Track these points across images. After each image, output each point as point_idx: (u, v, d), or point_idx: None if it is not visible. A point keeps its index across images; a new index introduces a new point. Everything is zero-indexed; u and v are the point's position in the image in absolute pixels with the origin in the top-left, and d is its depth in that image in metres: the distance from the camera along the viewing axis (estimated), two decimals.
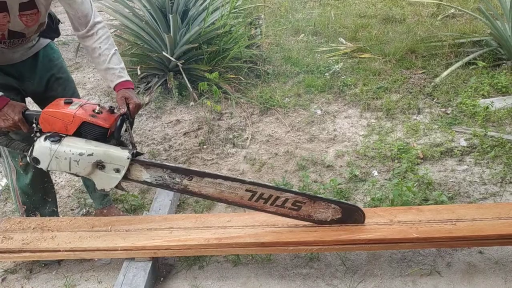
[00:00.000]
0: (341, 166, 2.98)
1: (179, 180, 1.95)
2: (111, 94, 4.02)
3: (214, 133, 3.39)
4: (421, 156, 2.93)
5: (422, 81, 3.85)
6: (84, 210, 2.74)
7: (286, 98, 3.80)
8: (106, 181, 1.95)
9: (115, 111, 1.93)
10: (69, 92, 2.27)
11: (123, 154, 1.89)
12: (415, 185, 2.63)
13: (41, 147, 1.87)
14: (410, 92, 3.70)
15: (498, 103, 3.42)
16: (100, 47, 2.02)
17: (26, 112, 1.91)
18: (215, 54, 3.90)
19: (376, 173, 2.86)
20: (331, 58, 4.41)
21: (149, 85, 3.95)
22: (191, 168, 2.02)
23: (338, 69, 4.09)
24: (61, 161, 1.88)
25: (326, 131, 3.37)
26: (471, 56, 4.02)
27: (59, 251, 2.10)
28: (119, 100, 1.98)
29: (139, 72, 3.74)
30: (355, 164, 2.96)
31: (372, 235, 1.98)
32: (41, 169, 1.93)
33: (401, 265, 2.18)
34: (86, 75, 4.63)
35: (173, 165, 1.96)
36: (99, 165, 1.90)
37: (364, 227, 2.03)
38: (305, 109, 3.65)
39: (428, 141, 3.10)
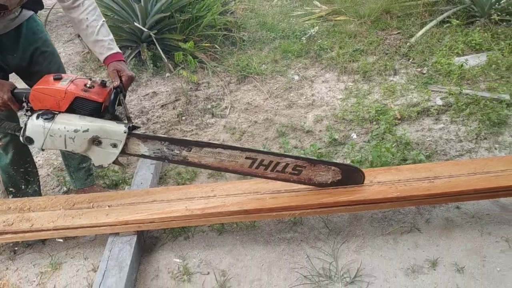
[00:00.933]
0: (320, 130, 3.00)
1: (178, 152, 1.93)
2: (84, 68, 3.92)
3: (192, 104, 3.36)
4: (399, 117, 2.97)
5: (398, 42, 3.86)
6: (64, 188, 2.72)
7: (263, 65, 3.77)
8: (103, 156, 1.92)
9: (107, 84, 1.89)
10: (55, 66, 2.21)
11: (119, 128, 1.86)
12: (393, 145, 2.67)
13: (34, 125, 1.83)
14: (386, 54, 3.71)
15: (472, 60, 3.45)
16: (87, 18, 1.95)
17: (15, 91, 1.85)
18: (188, 23, 3.82)
19: (355, 136, 2.89)
20: (307, 22, 4.37)
21: None
22: (189, 139, 1.99)
23: (313, 33, 4.05)
24: (56, 139, 1.84)
25: (304, 97, 3.37)
26: (445, 14, 4.03)
27: (42, 230, 2.09)
28: (111, 73, 1.93)
29: None
30: (334, 128, 2.98)
31: (353, 197, 2.02)
32: (22, 148, 1.88)
33: (382, 224, 2.24)
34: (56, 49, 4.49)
35: (172, 137, 1.93)
36: (96, 141, 1.87)
37: (345, 189, 2.07)
38: (282, 75, 3.63)
39: (405, 102, 3.13)
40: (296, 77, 3.58)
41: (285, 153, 2.02)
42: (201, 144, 1.92)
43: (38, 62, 2.15)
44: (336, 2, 4.71)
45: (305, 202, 2.03)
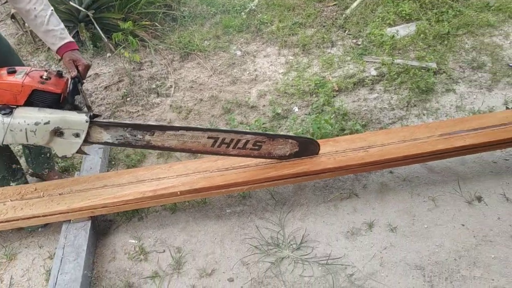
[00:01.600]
0: (264, 105, 3.11)
1: (141, 137, 1.97)
2: (20, 52, 3.77)
3: (136, 84, 3.36)
4: (337, 89, 3.13)
5: (334, 14, 3.99)
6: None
7: (206, 41, 3.80)
8: (66, 147, 1.94)
9: (64, 74, 1.88)
10: (4, 49, 2.12)
11: (81, 118, 1.87)
12: (332, 117, 2.84)
13: None
14: (324, 26, 3.84)
15: (403, 30, 3.65)
16: (35, 8, 1.90)
17: None
18: (127, 0, 3.75)
19: (296, 109, 3.03)
20: None
21: None
22: (152, 123, 2.03)
23: (253, 7, 4.10)
24: (17, 134, 1.84)
25: (247, 72, 3.45)
26: None
27: None
28: (67, 64, 1.91)
29: None
30: (277, 102, 3.11)
31: (295, 169, 2.16)
32: None
33: (323, 192, 2.41)
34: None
35: (133, 122, 1.97)
36: (58, 132, 1.88)
37: (288, 163, 2.21)
38: (225, 51, 3.68)
39: (342, 73, 3.29)
40: (239, 53, 3.65)
41: (246, 130, 2.11)
42: (163, 128, 1.97)
43: None
44: None
45: (252, 177, 2.16)
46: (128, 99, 3.25)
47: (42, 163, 2.52)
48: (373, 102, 3.02)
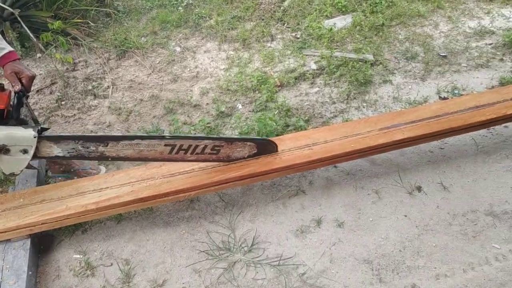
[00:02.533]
0: (207, 103, 3.06)
1: (94, 148, 1.89)
2: None
3: (70, 86, 3.19)
4: (279, 84, 3.14)
5: (272, 6, 3.98)
6: None
7: (143, 38, 3.67)
8: (14, 164, 1.83)
9: (5, 87, 1.75)
10: None
11: (28, 133, 1.76)
12: (276, 114, 2.85)
13: None
14: (262, 19, 3.82)
15: (340, 22, 3.72)
16: None
17: None
18: None
19: (240, 106, 3.01)
20: None
21: None
22: (105, 134, 1.94)
23: (191, 0, 4.01)
24: None
25: (188, 69, 3.38)
26: None
27: None
28: (9, 76, 1.78)
29: None
30: (220, 99, 3.07)
31: (242, 172, 2.15)
32: None
33: (272, 191, 2.43)
34: None
35: (86, 134, 1.87)
36: (3, 150, 1.76)
37: (234, 165, 2.19)
38: (163, 47, 3.58)
39: (283, 68, 3.30)
40: (178, 49, 3.56)
41: (203, 135, 2.08)
42: (117, 138, 1.90)
43: None
44: None
45: (198, 182, 2.13)
46: (63, 102, 3.08)
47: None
48: (314, 96, 3.06)
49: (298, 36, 3.62)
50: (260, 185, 2.45)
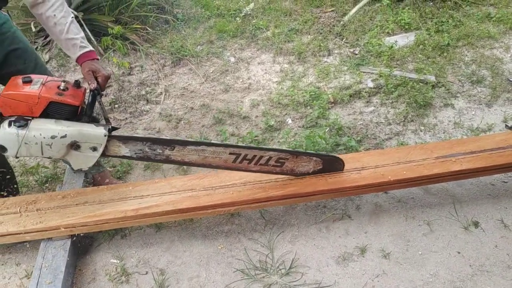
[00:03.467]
0: (256, 116, 3.01)
1: (161, 151, 1.90)
2: None
3: (125, 90, 3.25)
4: (332, 101, 3.04)
5: (332, 20, 3.89)
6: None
7: (199, 46, 3.69)
8: (82, 161, 1.85)
9: (81, 85, 1.78)
10: (31, 64, 2.04)
11: (99, 132, 1.79)
12: (326, 131, 2.74)
13: (7, 133, 1.71)
14: (321, 33, 3.73)
15: (402, 40, 3.56)
16: (54, 15, 1.80)
17: None
18: (118, 2, 3.63)
19: (290, 121, 2.94)
20: None
21: (47, 39, 3.63)
22: (172, 137, 1.97)
23: (249, 11, 4.00)
24: (32, 147, 1.74)
25: (240, 80, 3.35)
26: None
27: None
28: (86, 74, 1.82)
29: (33, 28, 3.42)
30: (270, 113, 3.01)
31: (284, 191, 2.07)
32: None
33: (315, 212, 2.32)
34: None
35: (154, 136, 1.90)
36: (74, 146, 1.79)
37: (277, 183, 2.12)
38: (218, 57, 3.58)
39: (338, 84, 3.19)
40: (232, 59, 3.55)
41: (269, 147, 2.06)
42: (184, 143, 1.90)
43: (12, 62, 1.99)
44: None
45: (239, 198, 2.06)
46: (116, 105, 3.14)
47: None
48: (369, 116, 2.93)
49: (357, 52, 3.50)
50: (304, 205, 2.35)
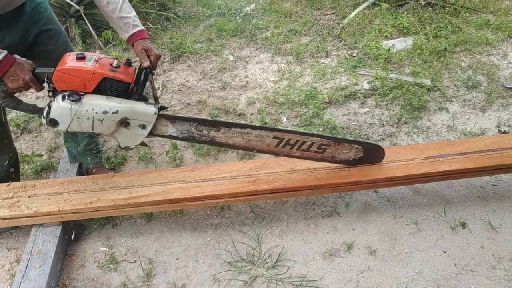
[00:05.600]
0: (252, 113, 3.04)
1: (206, 132, 1.94)
2: None
3: None
4: (327, 101, 3.06)
5: (331, 23, 3.92)
6: None
7: (198, 44, 3.72)
8: (130, 138, 1.89)
9: (132, 64, 1.82)
10: (62, 46, 2.07)
11: (149, 110, 1.82)
12: (320, 131, 2.76)
13: (60, 107, 1.75)
14: (319, 35, 3.76)
15: (399, 44, 3.58)
16: None
17: (36, 70, 1.76)
18: None
19: (285, 120, 2.96)
20: None
21: None
22: (218, 119, 1.99)
23: (249, 11, 4.03)
24: (83, 121, 1.78)
25: (238, 78, 3.38)
26: None
27: None
28: (139, 53, 1.84)
29: None
30: (266, 111, 3.03)
31: (273, 185, 2.09)
32: None
33: (305, 208, 2.34)
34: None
35: (201, 117, 1.92)
36: (124, 122, 1.82)
37: (267, 177, 2.14)
38: (217, 55, 3.61)
39: (334, 85, 3.22)
40: (231, 57, 3.58)
41: (312, 132, 2.07)
42: (230, 124, 1.93)
43: (43, 42, 2.02)
44: None
45: (228, 191, 2.08)
46: None
47: (90, 156, 2.46)
48: (363, 117, 2.95)
49: (354, 55, 3.53)
50: (294, 200, 2.37)
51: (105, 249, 2.18)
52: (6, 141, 2.21)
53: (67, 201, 2.08)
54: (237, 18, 3.96)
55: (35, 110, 1.88)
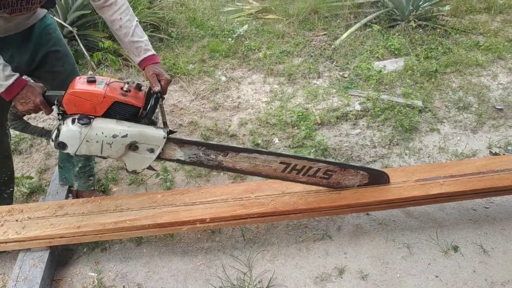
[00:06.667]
0: (244, 134, 3.03)
1: (214, 157, 1.93)
2: None
3: None
4: (319, 122, 3.06)
5: (323, 44, 3.95)
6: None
7: (191, 64, 3.74)
8: (138, 162, 1.88)
9: (142, 88, 1.82)
10: (69, 68, 2.08)
11: (159, 134, 1.82)
12: (311, 152, 2.76)
13: (70, 131, 1.74)
14: (311, 56, 3.79)
15: (391, 65, 3.61)
16: (120, 18, 1.84)
17: (47, 93, 1.76)
18: None
19: (277, 141, 2.96)
20: (237, 19, 4.36)
21: None
22: (226, 144, 2.00)
23: (242, 32, 4.06)
24: (92, 145, 1.77)
25: (230, 99, 3.38)
26: (369, 17, 4.17)
27: None
28: (150, 77, 1.85)
29: None
30: (258, 132, 3.03)
31: (264, 209, 2.07)
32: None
33: (296, 232, 2.32)
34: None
35: (209, 142, 1.93)
36: (133, 146, 1.82)
37: (257, 201, 2.12)
38: (209, 75, 3.62)
39: (326, 106, 3.23)
40: (223, 78, 3.59)
41: (318, 158, 2.09)
42: (238, 149, 1.93)
43: (51, 63, 2.02)
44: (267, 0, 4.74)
45: (218, 214, 2.07)
46: None
47: (83, 178, 2.43)
48: (355, 138, 2.95)
49: (346, 76, 3.55)
50: (285, 224, 2.35)
51: (93, 274, 2.14)
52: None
53: (55, 226, 2.05)
54: (230, 39, 3.98)
55: (43, 133, 1.88)
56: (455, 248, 2.18)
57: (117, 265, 2.19)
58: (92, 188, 2.49)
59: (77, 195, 2.50)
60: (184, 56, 3.79)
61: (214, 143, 1.96)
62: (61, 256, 2.20)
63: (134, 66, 3.56)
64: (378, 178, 2.15)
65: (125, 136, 1.78)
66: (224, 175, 2.69)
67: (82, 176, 2.43)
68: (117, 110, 1.76)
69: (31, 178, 2.68)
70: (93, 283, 2.10)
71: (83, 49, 3.51)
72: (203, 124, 3.13)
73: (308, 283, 2.06)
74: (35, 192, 2.63)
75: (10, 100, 1.75)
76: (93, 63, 3.51)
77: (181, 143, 1.90)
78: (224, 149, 1.93)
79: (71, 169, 2.42)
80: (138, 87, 1.81)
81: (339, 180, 2.10)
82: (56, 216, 2.11)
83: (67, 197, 2.42)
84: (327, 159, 2.17)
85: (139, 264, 2.19)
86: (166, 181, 2.62)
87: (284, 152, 2.05)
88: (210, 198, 2.15)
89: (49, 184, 2.59)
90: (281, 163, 1.98)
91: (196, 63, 3.73)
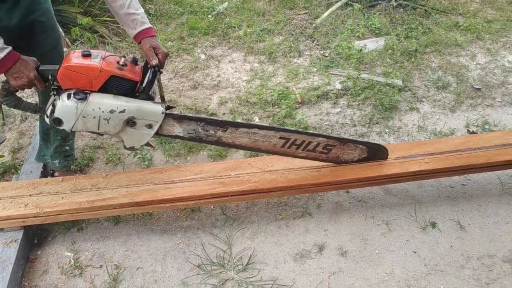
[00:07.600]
0: (224, 113, 2.99)
1: (213, 132, 1.90)
2: None
3: None
4: (299, 101, 3.04)
5: (304, 22, 3.91)
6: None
7: (169, 42, 3.66)
8: (136, 138, 1.83)
9: (139, 62, 1.76)
10: (52, 42, 1.98)
11: (157, 109, 1.76)
12: None
13: (65, 106, 1.67)
14: (292, 34, 3.75)
15: (371, 44, 3.60)
16: None
17: (40, 68, 1.68)
18: None
19: (257, 119, 2.93)
20: None
21: None
22: (226, 119, 1.95)
23: (222, 9, 3.98)
24: (89, 121, 1.71)
25: (210, 77, 3.33)
26: None
27: None
28: (147, 51, 1.78)
29: None
30: (238, 111, 2.99)
31: (244, 186, 2.06)
32: None
33: (277, 210, 2.31)
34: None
35: (208, 117, 1.88)
36: (130, 122, 1.76)
37: (238, 179, 2.10)
38: (188, 53, 3.55)
39: (307, 85, 3.20)
40: (203, 56, 3.53)
41: (318, 133, 2.06)
42: (237, 124, 1.90)
43: (35, 33, 1.91)
44: None
45: (197, 192, 2.04)
46: None
47: (60, 158, 2.35)
48: (335, 117, 2.94)
49: (327, 55, 3.52)
50: (265, 202, 2.34)
51: (69, 254, 2.10)
52: None
53: (29, 205, 2.00)
54: (210, 16, 3.91)
55: (37, 109, 1.82)
56: (433, 225, 2.21)
57: (94, 244, 2.15)
58: (68, 169, 2.43)
59: (52, 174, 2.44)
60: (162, 33, 3.71)
61: (214, 118, 1.92)
62: (36, 236, 2.15)
63: (111, 43, 3.46)
64: (377, 152, 2.15)
65: (123, 111, 1.73)
66: (203, 153, 2.66)
67: (58, 156, 2.36)
68: (114, 85, 1.71)
69: (2, 157, 2.60)
70: (70, 262, 2.06)
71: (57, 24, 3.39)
72: (182, 102, 3.08)
73: (288, 260, 2.06)
74: (8, 172, 2.55)
75: (2, 74, 1.67)
76: (67, 40, 3.40)
77: (180, 118, 1.87)
78: (224, 125, 1.90)
79: (47, 148, 2.35)
80: (134, 61, 1.76)
81: (338, 154, 2.09)
82: (30, 195, 2.05)
83: (41, 176, 2.36)
84: (327, 134, 2.16)
85: (117, 243, 2.15)
86: (144, 160, 2.58)
87: (283, 127, 2.03)
88: (190, 176, 2.12)
89: (22, 164, 2.52)
90: (280, 138, 1.96)
91: (175, 41, 3.65)
